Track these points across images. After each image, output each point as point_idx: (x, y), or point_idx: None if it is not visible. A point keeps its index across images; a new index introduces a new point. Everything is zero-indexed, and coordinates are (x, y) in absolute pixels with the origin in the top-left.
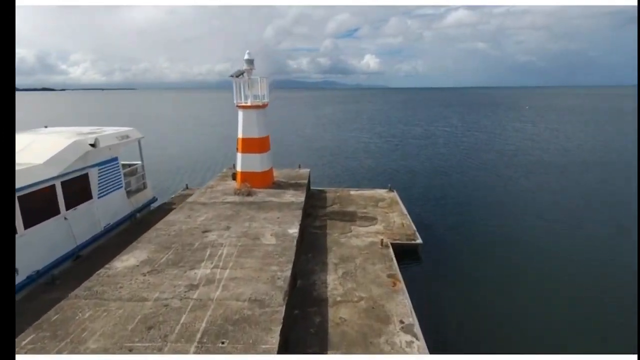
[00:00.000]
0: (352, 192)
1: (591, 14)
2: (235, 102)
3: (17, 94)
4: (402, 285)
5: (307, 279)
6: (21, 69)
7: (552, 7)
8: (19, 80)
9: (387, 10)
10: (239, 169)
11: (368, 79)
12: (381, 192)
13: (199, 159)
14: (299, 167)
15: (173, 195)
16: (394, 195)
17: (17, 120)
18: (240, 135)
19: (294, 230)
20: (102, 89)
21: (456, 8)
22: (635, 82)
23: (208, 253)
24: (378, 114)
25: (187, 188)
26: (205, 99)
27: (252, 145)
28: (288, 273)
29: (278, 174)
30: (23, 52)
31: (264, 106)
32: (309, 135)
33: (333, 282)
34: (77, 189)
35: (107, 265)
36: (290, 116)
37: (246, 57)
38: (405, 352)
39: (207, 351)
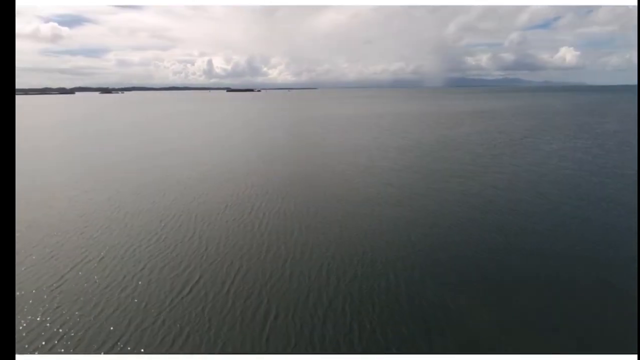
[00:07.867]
0: None
1: None
2: None
3: (231, 93)
4: None
5: None
6: (235, 71)
7: None
8: (231, 81)
9: None
10: None
11: (560, 75)
12: None
13: None
14: None
15: None
16: None
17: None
18: None
19: None
20: (289, 89)
21: None
22: None
23: None
24: None
25: None
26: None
27: None
28: None
29: None
30: (237, 58)
31: None
32: None
33: None
34: None
35: None
36: None
37: None
38: None
39: None
